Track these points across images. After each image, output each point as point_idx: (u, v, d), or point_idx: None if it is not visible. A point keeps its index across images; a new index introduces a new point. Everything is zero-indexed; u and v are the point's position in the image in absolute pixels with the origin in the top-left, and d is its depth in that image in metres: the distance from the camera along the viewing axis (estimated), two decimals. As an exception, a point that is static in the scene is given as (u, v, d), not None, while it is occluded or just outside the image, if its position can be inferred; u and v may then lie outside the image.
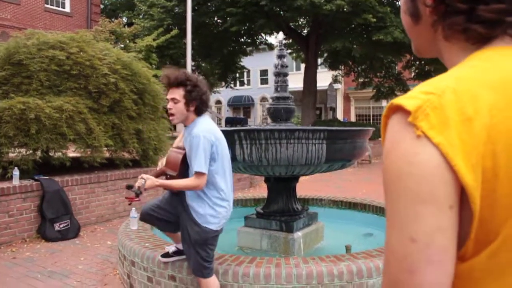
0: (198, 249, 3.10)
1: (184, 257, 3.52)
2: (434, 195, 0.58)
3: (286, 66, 5.12)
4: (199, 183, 3.00)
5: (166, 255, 3.65)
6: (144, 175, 3.08)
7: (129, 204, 3.21)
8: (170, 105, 3.08)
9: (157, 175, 3.36)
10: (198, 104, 3.08)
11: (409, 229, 0.60)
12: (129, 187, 3.07)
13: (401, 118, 0.63)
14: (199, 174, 2.98)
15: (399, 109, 0.63)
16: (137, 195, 3.04)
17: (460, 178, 0.58)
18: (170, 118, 3.16)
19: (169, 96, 3.08)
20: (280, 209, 4.90)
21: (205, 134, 3.00)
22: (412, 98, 0.62)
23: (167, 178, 3.32)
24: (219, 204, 3.10)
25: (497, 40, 0.68)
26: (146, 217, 3.44)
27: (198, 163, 2.96)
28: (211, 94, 28.20)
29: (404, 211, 0.60)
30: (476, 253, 0.61)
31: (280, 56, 5.08)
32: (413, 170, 0.59)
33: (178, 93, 3.05)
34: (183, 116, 3.11)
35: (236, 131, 4.08)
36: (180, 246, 3.51)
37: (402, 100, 0.63)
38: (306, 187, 9.92)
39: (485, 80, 0.62)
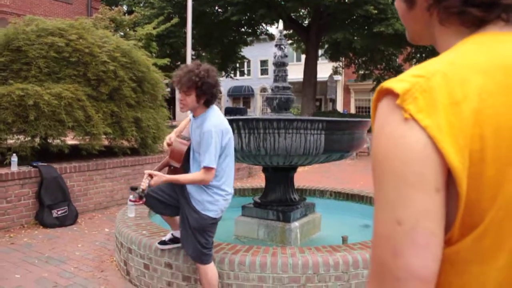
0: (198, 235, 3.14)
1: (178, 245, 3.56)
2: (421, 178, 0.59)
3: (286, 56, 5.10)
4: (207, 177, 3.05)
5: (163, 242, 3.68)
6: (151, 172, 3.09)
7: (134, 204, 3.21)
8: (181, 96, 3.11)
9: (162, 167, 3.38)
10: (208, 97, 3.11)
11: (395, 211, 0.60)
12: (133, 189, 3.09)
13: (389, 101, 0.63)
14: (208, 168, 3.02)
15: (388, 92, 0.63)
16: (141, 197, 3.06)
17: (447, 161, 0.58)
18: (180, 106, 3.18)
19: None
20: (278, 199, 4.91)
21: (216, 129, 3.04)
22: (401, 81, 0.62)
23: (170, 169, 3.35)
24: (216, 192, 3.13)
25: (491, 25, 0.68)
26: (148, 199, 3.43)
27: (208, 159, 3.01)
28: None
29: (391, 194, 0.60)
30: (462, 237, 0.61)
31: (280, 46, 5.06)
32: (400, 153, 0.60)
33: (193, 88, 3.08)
34: (193, 107, 3.14)
35: (234, 120, 4.07)
36: (176, 234, 3.55)
37: (391, 83, 0.63)
38: (304, 178, 9.94)
39: (476, 64, 0.62)
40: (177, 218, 3.42)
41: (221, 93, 39.32)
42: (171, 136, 3.43)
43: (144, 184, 3.02)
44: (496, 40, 0.66)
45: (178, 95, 3.12)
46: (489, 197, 0.59)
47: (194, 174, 3.12)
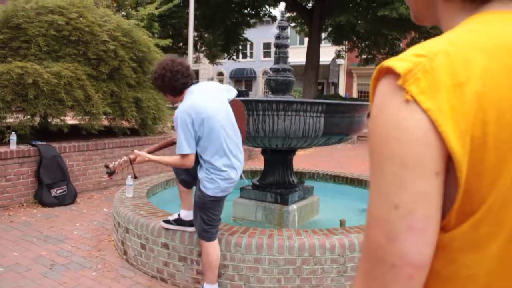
0: (199, 211, 3.23)
1: (181, 228, 3.63)
2: (420, 162, 0.57)
3: (287, 38, 5.04)
4: (184, 163, 3.11)
5: (168, 221, 3.70)
6: (136, 151, 3.24)
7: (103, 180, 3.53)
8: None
9: (164, 146, 3.45)
10: (171, 88, 3.21)
11: (392, 195, 0.58)
12: (106, 166, 3.28)
13: (390, 81, 0.60)
14: (183, 155, 3.07)
15: (389, 71, 0.60)
16: (109, 174, 3.26)
17: (447, 145, 0.56)
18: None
19: None
20: (276, 182, 4.91)
21: (183, 114, 3.03)
22: (403, 60, 0.60)
23: None
24: (212, 172, 3.13)
25: (495, 2, 0.65)
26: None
27: (179, 145, 3.06)
28: (213, 65, 28.05)
29: (389, 177, 0.58)
30: (458, 224, 0.59)
31: (281, 27, 5.00)
32: (400, 135, 0.57)
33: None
34: (175, 101, 3.31)
35: (233, 102, 4.04)
36: (183, 215, 3.63)
37: (392, 62, 0.60)
38: (304, 161, 9.95)
39: (480, 44, 0.60)
40: (190, 198, 3.56)
41: (223, 75, 39.18)
42: None
43: (116, 163, 3.21)
44: (501, 19, 0.63)
45: None
46: (489, 183, 0.57)
47: (172, 157, 3.23)
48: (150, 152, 3.48)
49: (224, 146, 3.14)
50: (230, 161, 3.17)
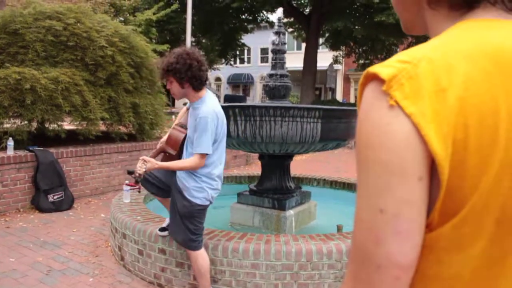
0: (186, 222, 3.16)
1: None
2: (404, 166, 0.58)
3: (284, 43, 5.06)
4: (199, 163, 3.06)
5: (163, 229, 3.68)
6: (145, 157, 3.10)
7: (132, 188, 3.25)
8: (168, 85, 3.17)
9: (157, 154, 3.40)
10: (190, 81, 3.08)
11: (377, 199, 0.59)
12: (130, 173, 3.10)
13: (375, 86, 0.61)
14: (202, 155, 3.03)
15: (374, 77, 0.62)
16: (137, 182, 3.10)
17: (429, 148, 0.57)
18: (172, 95, 3.23)
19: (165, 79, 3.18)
20: (273, 187, 4.91)
21: (213, 116, 3.03)
22: (388, 66, 0.61)
23: (165, 156, 3.36)
24: (204, 180, 3.13)
25: (480, 9, 0.67)
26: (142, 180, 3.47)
27: (205, 145, 3.01)
28: (210, 70, 28.06)
29: (374, 182, 0.60)
30: (441, 223, 0.60)
31: (278, 33, 5.02)
32: (385, 140, 0.59)
33: (170, 76, 3.11)
34: (181, 93, 3.17)
35: (231, 107, 4.05)
36: None
37: (377, 68, 0.62)
38: (301, 166, 9.95)
39: (463, 50, 0.61)
40: None
41: (220, 80, 39.23)
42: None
43: (140, 169, 3.02)
44: (484, 26, 0.65)
45: None
46: (471, 184, 0.58)
47: (186, 161, 3.13)
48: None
49: (223, 155, 3.22)
50: (221, 171, 3.24)
